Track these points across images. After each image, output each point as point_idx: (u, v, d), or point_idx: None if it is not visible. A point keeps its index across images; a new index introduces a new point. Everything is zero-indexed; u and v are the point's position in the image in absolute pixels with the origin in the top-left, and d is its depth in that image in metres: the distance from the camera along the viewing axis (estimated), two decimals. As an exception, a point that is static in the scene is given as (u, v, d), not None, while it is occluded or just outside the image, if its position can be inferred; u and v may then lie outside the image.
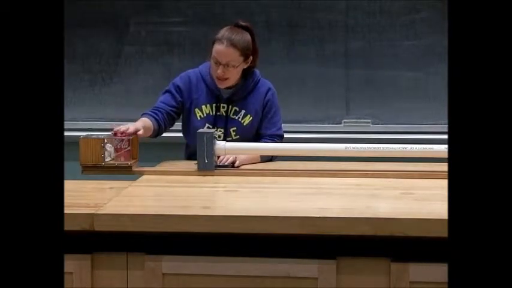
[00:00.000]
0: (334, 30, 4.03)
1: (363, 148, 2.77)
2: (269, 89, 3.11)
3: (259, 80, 3.11)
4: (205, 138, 2.72)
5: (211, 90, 3.06)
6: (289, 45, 4.06)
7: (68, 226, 1.67)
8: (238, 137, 3.05)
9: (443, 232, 1.47)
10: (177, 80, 3.11)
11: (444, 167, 2.41)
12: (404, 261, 1.99)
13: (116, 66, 4.15)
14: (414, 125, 4.01)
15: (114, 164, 2.74)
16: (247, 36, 3.03)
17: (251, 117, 3.06)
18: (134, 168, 2.76)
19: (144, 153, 2.95)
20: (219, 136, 3.02)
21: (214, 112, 3.05)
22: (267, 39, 4.04)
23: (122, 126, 2.79)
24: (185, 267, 2.06)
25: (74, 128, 3.82)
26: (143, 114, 3.02)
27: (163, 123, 3.04)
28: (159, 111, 3.03)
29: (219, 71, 2.97)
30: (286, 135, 3.18)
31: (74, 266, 2.05)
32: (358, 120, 4.06)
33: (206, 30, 4.06)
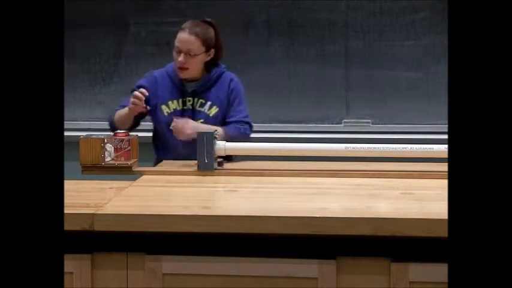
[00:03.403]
0: (334, 30, 4.03)
1: (363, 148, 2.76)
2: (232, 79, 3.14)
3: (223, 72, 3.15)
4: (205, 138, 2.72)
5: (176, 86, 3.11)
6: (289, 45, 4.06)
7: (68, 226, 1.67)
8: None
9: (443, 232, 1.47)
10: (142, 81, 3.15)
11: (444, 167, 2.41)
12: (404, 261, 1.99)
13: (116, 66, 4.15)
14: (414, 125, 4.01)
15: (114, 164, 2.74)
16: (210, 30, 3.10)
17: (217, 108, 3.10)
18: (134, 168, 2.76)
19: (144, 153, 2.95)
20: None
21: (181, 106, 3.09)
22: (267, 39, 4.05)
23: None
24: (185, 267, 2.06)
25: (74, 128, 3.82)
26: (117, 110, 3.07)
27: (137, 118, 3.08)
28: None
29: (180, 58, 3.03)
30: (286, 136, 3.18)
31: (74, 266, 2.05)
32: (358, 120, 4.06)
33: (206, 30, 4.07)
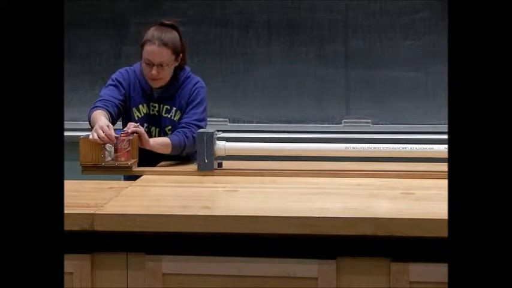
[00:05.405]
0: (334, 30, 4.03)
1: (363, 148, 2.77)
2: (197, 83, 3.07)
3: (189, 77, 3.08)
4: (205, 138, 2.72)
5: (144, 90, 3.03)
6: (289, 45, 4.06)
7: (68, 226, 1.67)
8: None
9: (443, 232, 1.47)
10: (118, 75, 3.06)
11: (444, 167, 2.41)
12: (404, 261, 1.99)
13: (116, 66, 4.14)
14: (414, 125, 4.01)
15: (114, 164, 2.74)
16: (175, 34, 3.02)
17: (181, 113, 3.03)
18: (134, 168, 2.76)
19: (144, 153, 2.94)
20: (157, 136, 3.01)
21: (149, 112, 3.03)
22: (267, 39, 4.05)
23: (97, 133, 2.70)
24: (185, 267, 2.06)
25: (74, 128, 3.81)
26: (94, 108, 2.91)
27: (115, 116, 2.97)
28: (109, 103, 2.95)
29: (153, 71, 2.94)
30: (286, 136, 3.17)
31: (74, 266, 2.05)
32: (358, 120, 4.06)
33: (206, 30, 4.07)
